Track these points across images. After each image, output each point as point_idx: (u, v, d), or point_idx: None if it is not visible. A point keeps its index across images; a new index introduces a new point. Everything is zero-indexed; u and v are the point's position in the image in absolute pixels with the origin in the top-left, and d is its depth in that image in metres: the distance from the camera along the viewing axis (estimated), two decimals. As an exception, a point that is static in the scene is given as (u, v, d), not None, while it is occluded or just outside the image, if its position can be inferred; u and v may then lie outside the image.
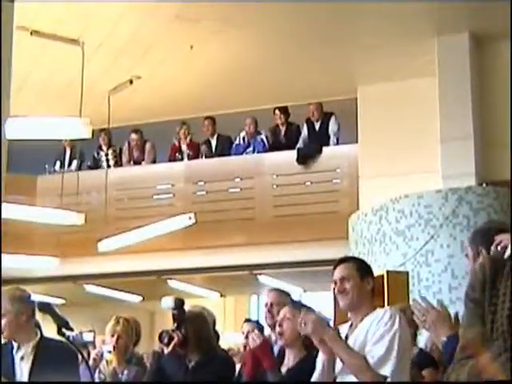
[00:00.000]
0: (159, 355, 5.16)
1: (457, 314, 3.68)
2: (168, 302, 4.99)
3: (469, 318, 2.41)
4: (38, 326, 4.65)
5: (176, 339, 4.94)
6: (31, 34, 9.23)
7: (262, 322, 5.97)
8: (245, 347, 4.90)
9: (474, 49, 9.64)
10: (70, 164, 12.91)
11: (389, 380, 3.73)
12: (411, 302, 4.02)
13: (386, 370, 3.74)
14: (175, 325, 4.99)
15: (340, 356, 3.85)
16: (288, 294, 5.42)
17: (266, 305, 5.26)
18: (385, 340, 3.79)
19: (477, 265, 2.73)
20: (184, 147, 12.39)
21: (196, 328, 5.05)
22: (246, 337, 5.73)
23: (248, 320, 7.20)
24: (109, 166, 12.48)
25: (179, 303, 5.01)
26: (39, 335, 4.55)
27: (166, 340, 4.97)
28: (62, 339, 4.06)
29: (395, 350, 3.78)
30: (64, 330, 3.98)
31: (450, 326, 3.47)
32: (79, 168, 12.74)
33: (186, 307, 5.14)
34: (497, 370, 2.18)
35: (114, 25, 9.30)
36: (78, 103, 9.50)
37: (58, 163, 12.88)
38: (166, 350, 4.98)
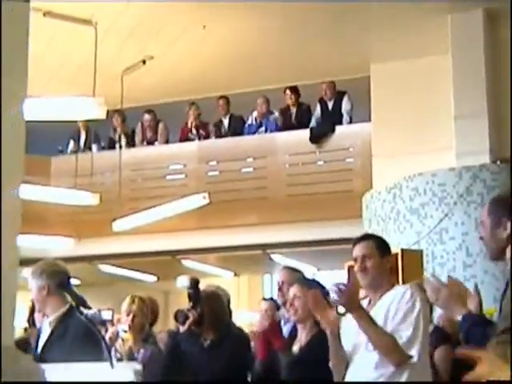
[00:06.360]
0: (175, 334, 5.21)
1: (476, 286, 3.68)
2: (183, 281, 5.03)
3: None
4: (77, 300, 4.21)
5: (191, 318, 4.99)
6: (44, 15, 9.22)
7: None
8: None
9: (487, 26, 9.59)
10: (85, 145, 12.92)
11: (415, 359, 3.78)
12: (424, 280, 4.03)
13: (413, 351, 3.80)
14: (190, 304, 5.04)
15: (368, 333, 3.86)
16: (299, 272, 5.45)
17: (278, 283, 5.31)
18: (410, 320, 3.82)
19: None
20: (193, 128, 12.37)
21: (211, 307, 5.09)
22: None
23: (265, 299, 7.23)
24: (121, 147, 12.47)
25: (194, 282, 5.06)
26: (65, 309, 4.39)
27: (181, 319, 5.01)
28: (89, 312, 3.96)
29: (421, 330, 3.82)
30: (82, 308, 4.01)
31: (463, 304, 3.43)
32: (96, 149, 12.77)
33: (201, 286, 5.18)
34: None
35: (126, 5, 9.29)
36: (91, 84, 9.50)
37: (72, 143, 12.89)
38: (182, 329, 5.03)
